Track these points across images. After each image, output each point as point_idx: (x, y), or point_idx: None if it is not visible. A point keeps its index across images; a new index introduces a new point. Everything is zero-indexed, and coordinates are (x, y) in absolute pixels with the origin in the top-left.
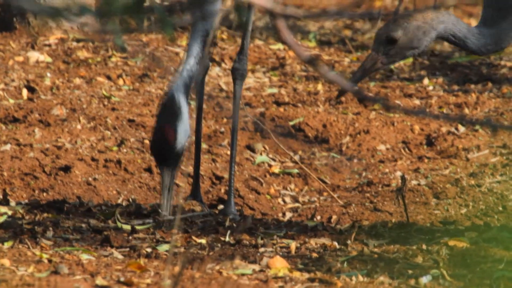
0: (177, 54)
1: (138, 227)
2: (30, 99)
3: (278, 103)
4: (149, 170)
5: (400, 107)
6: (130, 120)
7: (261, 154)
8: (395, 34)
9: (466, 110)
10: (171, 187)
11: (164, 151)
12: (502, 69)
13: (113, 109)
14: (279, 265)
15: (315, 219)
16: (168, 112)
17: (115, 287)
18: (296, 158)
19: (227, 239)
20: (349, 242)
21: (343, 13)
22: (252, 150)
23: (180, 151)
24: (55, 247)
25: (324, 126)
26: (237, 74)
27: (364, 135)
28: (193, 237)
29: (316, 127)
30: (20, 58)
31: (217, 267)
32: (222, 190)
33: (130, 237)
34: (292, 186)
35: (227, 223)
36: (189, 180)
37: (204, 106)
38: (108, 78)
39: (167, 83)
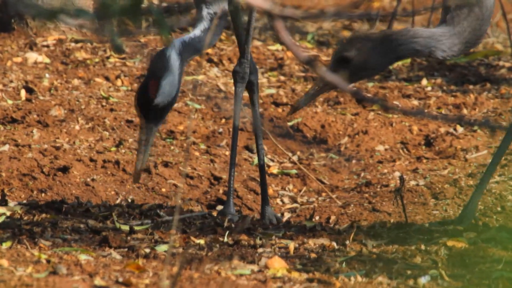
0: None
1: (136, 228)
2: (28, 100)
3: (277, 104)
4: (147, 170)
5: (398, 108)
6: (128, 121)
7: None
8: (349, 54)
9: (465, 111)
10: (148, 143)
11: (144, 104)
12: (500, 70)
13: (112, 109)
14: (278, 266)
15: (313, 220)
16: (156, 67)
17: None
18: (295, 158)
19: (225, 239)
20: (347, 242)
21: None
22: (251, 150)
23: (161, 106)
24: (54, 248)
25: (323, 126)
26: (238, 77)
27: (363, 136)
28: (192, 238)
29: (314, 127)
30: (18, 59)
31: (216, 268)
32: (221, 191)
33: (129, 238)
34: (291, 186)
35: (226, 224)
36: (187, 180)
37: (202, 106)
38: (107, 79)
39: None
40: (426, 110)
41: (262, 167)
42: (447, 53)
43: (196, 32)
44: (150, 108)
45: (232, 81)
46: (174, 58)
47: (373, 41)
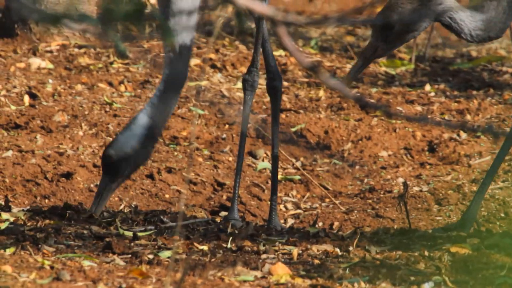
0: None
1: (140, 234)
2: (32, 106)
3: (280, 110)
4: (151, 176)
5: (401, 114)
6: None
7: (263, 160)
8: (391, 19)
9: (468, 117)
10: (102, 197)
11: (102, 156)
12: (504, 75)
13: (115, 115)
14: (281, 272)
15: (317, 226)
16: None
17: None
18: (298, 164)
19: (229, 245)
20: (351, 248)
21: (344, 20)
22: (254, 156)
23: (115, 159)
24: (57, 254)
25: (326, 132)
26: (247, 85)
27: (366, 142)
28: (195, 244)
29: (318, 133)
30: (22, 65)
31: (219, 274)
32: (224, 197)
33: (132, 244)
34: (294, 192)
35: (229, 230)
36: (191, 186)
37: (206, 112)
38: (110, 84)
39: None
40: (429, 116)
41: (275, 182)
42: (472, 33)
43: (153, 100)
44: (104, 159)
45: (235, 87)
46: (141, 119)
47: (412, 4)
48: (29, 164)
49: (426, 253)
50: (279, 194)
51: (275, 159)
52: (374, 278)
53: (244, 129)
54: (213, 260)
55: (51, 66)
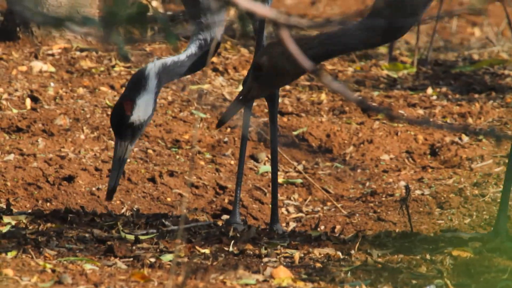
0: None
1: (141, 237)
2: (33, 109)
3: (282, 113)
4: (152, 180)
5: (403, 117)
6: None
7: (264, 164)
8: (261, 60)
9: (470, 120)
10: (122, 160)
11: (119, 122)
12: (506, 79)
13: None
14: (283, 275)
15: (318, 229)
16: (134, 85)
17: None
18: (300, 168)
19: (230, 249)
20: (352, 252)
21: (346, 23)
22: (256, 160)
23: (136, 124)
24: (59, 257)
25: (328, 136)
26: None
27: (368, 145)
28: (197, 247)
29: (319, 137)
30: (24, 68)
31: (221, 277)
32: (226, 200)
33: (134, 247)
34: (296, 196)
35: (231, 233)
36: (193, 189)
37: (208, 115)
38: (112, 87)
39: (171, 93)
40: (431, 119)
41: (275, 186)
42: (366, 43)
43: (181, 56)
44: (125, 126)
45: (237, 90)
46: (152, 78)
47: (282, 46)
48: (30, 167)
49: (428, 256)
50: (281, 198)
51: (274, 163)
52: (376, 281)
53: (245, 132)
54: (215, 263)
55: (53, 69)
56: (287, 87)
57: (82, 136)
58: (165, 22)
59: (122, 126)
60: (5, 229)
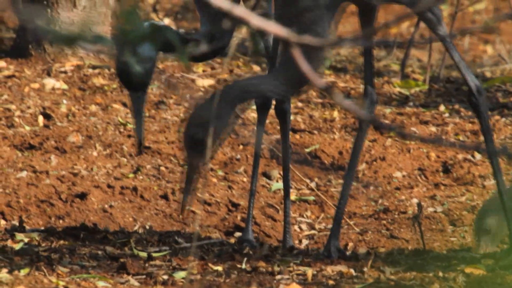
0: (193, 81)
1: (154, 254)
2: (46, 126)
3: (294, 130)
4: (165, 197)
5: (416, 135)
6: (146, 147)
7: (277, 181)
8: (196, 134)
9: (482, 137)
10: (141, 111)
11: (128, 74)
12: None
13: (129, 136)
14: None
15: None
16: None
17: None
18: (312, 185)
19: (243, 266)
20: (365, 269)
21: (358, 41)
22: (268, 177)
23: (144, 72)
24: (72, 274)
25: (340, 153)
26: (261, 106)
27: (380, 162)
28: (210, 264)
29: (332, 154)
30: (36, 85)
31: None
32: (239, 217)
33: (147, 264)
34: (309, 213)
35: (244, 250)
36: (205, 206)
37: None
38: (124, 105)
39: (183, 110)
40: (444, 137)
41: (287, 201)
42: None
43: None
44: (135, 77)
45: (249, 107)
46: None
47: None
48: (43, 184)
49: (440, 274)
50: (293, 215)
51: (286, 182)
52: None
53: (258, 149)
54: (227, 280)
55: (65, 86)
56: (299, 104)
57: (95, 153)
58: (177, 41)
59: (132, 79)
60: (18, 247)
